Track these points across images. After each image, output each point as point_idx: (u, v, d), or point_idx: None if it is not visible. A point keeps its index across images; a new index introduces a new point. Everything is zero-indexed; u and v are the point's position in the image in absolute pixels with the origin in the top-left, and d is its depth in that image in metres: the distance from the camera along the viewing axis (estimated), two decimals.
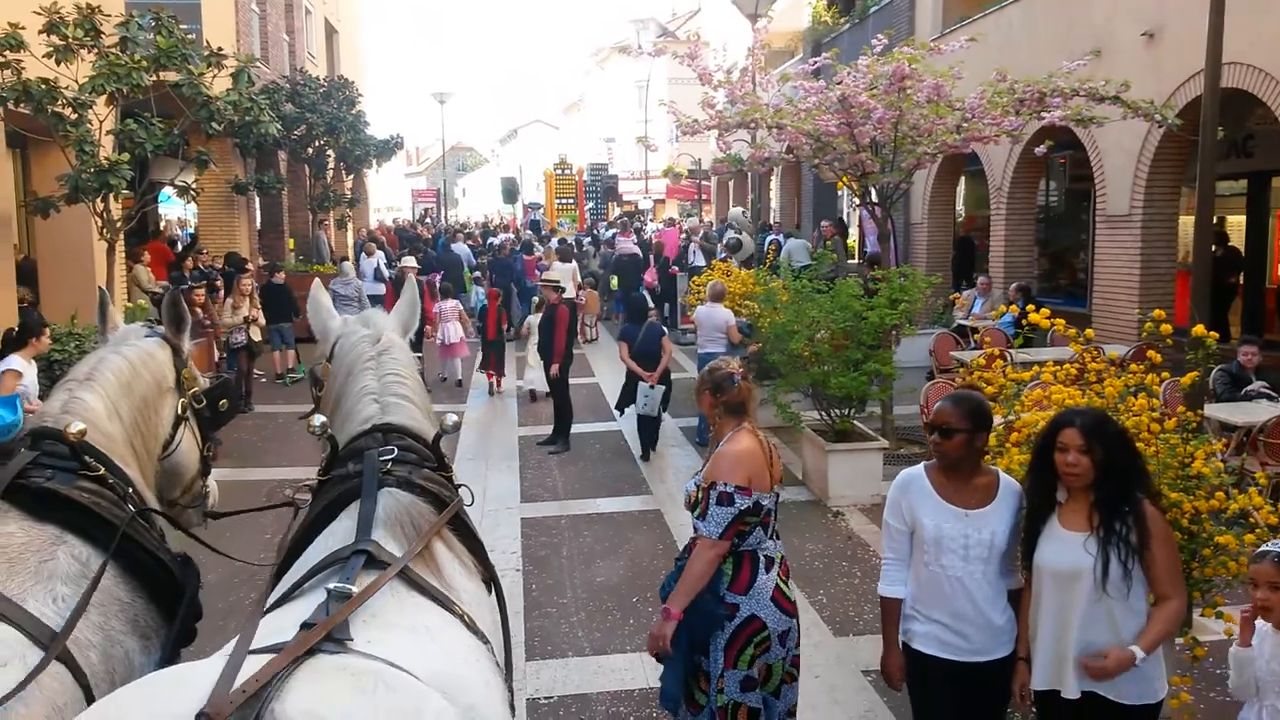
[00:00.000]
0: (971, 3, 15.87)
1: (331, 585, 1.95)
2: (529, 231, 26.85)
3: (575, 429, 10.30)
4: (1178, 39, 10.78)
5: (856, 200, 10.65)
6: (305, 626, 1.81)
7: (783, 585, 3.59)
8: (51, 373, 7.42)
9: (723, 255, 15.44)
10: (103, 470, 2.45)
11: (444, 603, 2.13)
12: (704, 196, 34.68)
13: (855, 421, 8.37)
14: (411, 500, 2.35)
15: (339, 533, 2.25)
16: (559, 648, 5.55)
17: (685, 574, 3.49)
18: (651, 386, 9.45)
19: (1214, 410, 7.82)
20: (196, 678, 1.66)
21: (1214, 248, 12.12)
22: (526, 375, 12.70)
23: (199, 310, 11.23)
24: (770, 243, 17.39)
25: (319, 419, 2.59)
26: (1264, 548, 3.07)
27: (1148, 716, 3.07)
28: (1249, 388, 8.36)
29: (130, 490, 2.52)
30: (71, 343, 7.86)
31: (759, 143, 10.28)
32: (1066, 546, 3.04)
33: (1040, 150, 10.60)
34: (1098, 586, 2.97)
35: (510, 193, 38.80)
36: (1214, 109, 7.07)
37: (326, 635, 1.78)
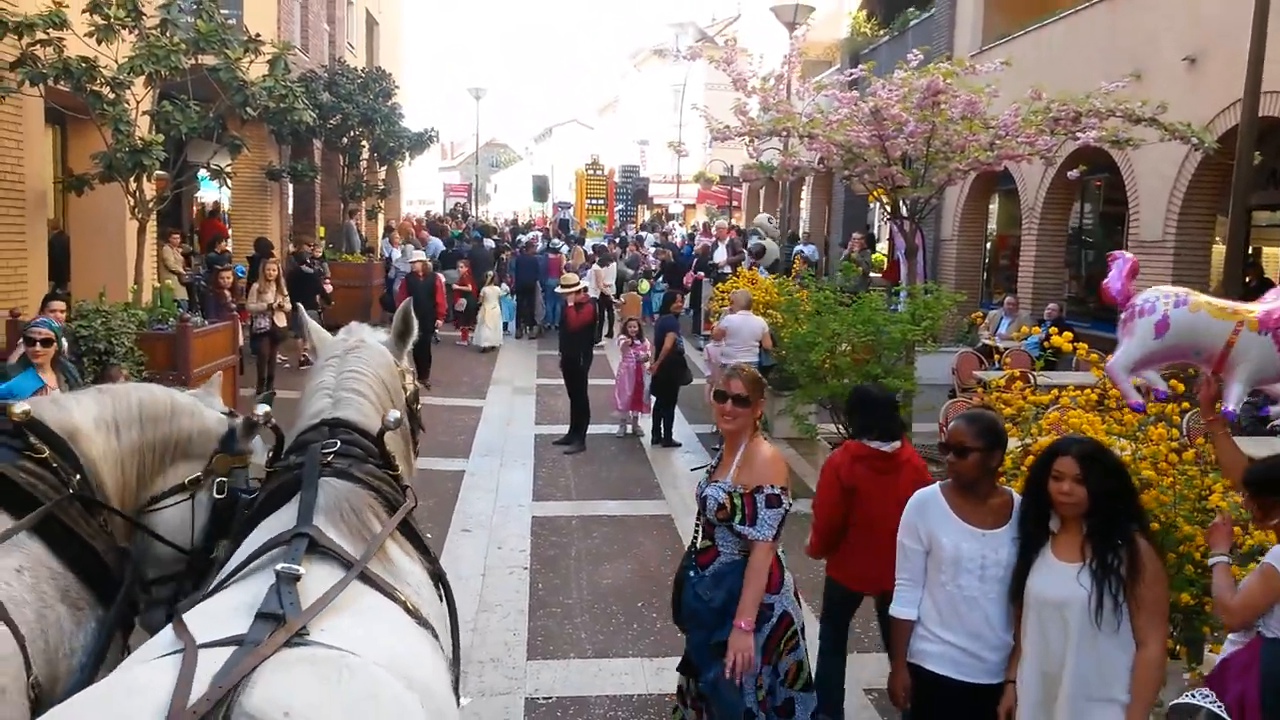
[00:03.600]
0: (1012, 20, 15.73)
1: (279, 566, 1.95)
2: (559, 230, 26.92)
3: (592, 429, 10.31)
4: (1220, 65, 10.62)
5: (887, 213, 10.59)
6: (261, 616, 1.80)
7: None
8: (78, 348, 7.50)
9: (749, 263, 15.41)
10: (47, 453, 2.49)
11: (387, 590, 2.14)
12: (735, 203, 34.64)
13: None
14: (350, 488, 2.35)
15: (279, 522, 2.26)
16: (561, 648, 5.55)
17: (750, 582, 3.54)
18: (650, 374, 10.17)
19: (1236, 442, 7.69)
20: (153, 683, 1.63)
21: (1247, 278, 11.97)
22: (482, 334, 16.12)
23: (226, 293, 11.35)
24: (797, 254, 17.33)
25: (262, 408, 2.63)
26: (1187, 700, 2.75)
27: None
28: (1275, 421, 8.22)
29: (79, 478, 2.54)
30: (98, 319, 7.93)
31: (790, 151, 10.24)
32: (1059, 577, 3.00)
33: (1073, 174, 10.50)
34: (1091, 620, 2.92)
35: (541, 191, 38.93)
36: (1251, 136, 6.99)
37: (281, 625, 1.78)
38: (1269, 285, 12.75)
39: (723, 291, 12.92)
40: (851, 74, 9.56)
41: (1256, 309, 4.40)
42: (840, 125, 8.86)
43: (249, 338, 11.70)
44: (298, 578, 1.93)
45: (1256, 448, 7.56)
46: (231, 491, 2.87)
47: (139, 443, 2.72)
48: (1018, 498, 3.38)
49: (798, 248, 17.41)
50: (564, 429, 10.33)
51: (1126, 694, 2.93)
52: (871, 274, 16.71)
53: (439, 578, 2.59)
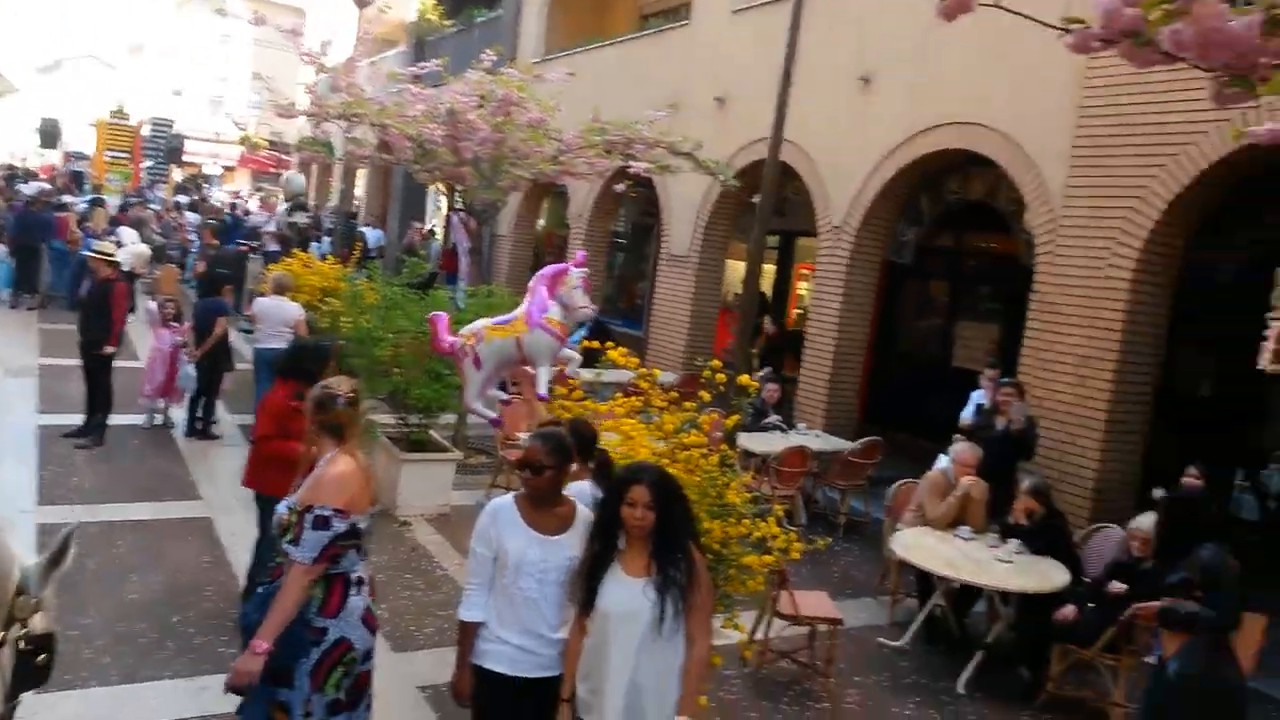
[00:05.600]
0: (571, 37, 16.77)
1: None
2: (72, 183, 23.30)
3: (114, 420, 9.11)
4: (742, 108, 12.30)
5: (443, 202, 10.72)
6: None
7: (371, 605, 3.63)
8: None
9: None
10: None
11: None
12: (283, 171, 32.70)
13: (431, 432, 8.38)
14: None
15: None
16: (80, 677, 4.87)
17: (277, 603, 3.33)
18: (190, 362, 9.35)
19: (740, 439, 8.98)
20: None
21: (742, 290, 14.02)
22: None
23: None
24: (358, 235, 16.84)
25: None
26: None
27: None
28: (767, 420, 9.73)
29: None
30: None
31: (361, 140, 9.93)
32: (628, 591, 3.29)
33: (620, 188, 11.50)
34: (655, 628, 3.24)
35: (50, 135, 33.26)
36: (775, 173, 8.08)
37: None
38: (763, 298, 15.05)
39: (273, 272, 12.17)
40: (424, 67, 9.51)
41: (520, 314, 5.84)
42: (414, 120, 8.79)
43: None
44: None
45: (751, 442, 8.93)
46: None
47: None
48: (580, 507, 3.66)
49: (360, 229, 16.84)
50: (75, 418, 8.99)
51: (678, 689, 3.30)
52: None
53: None
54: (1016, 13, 2.81)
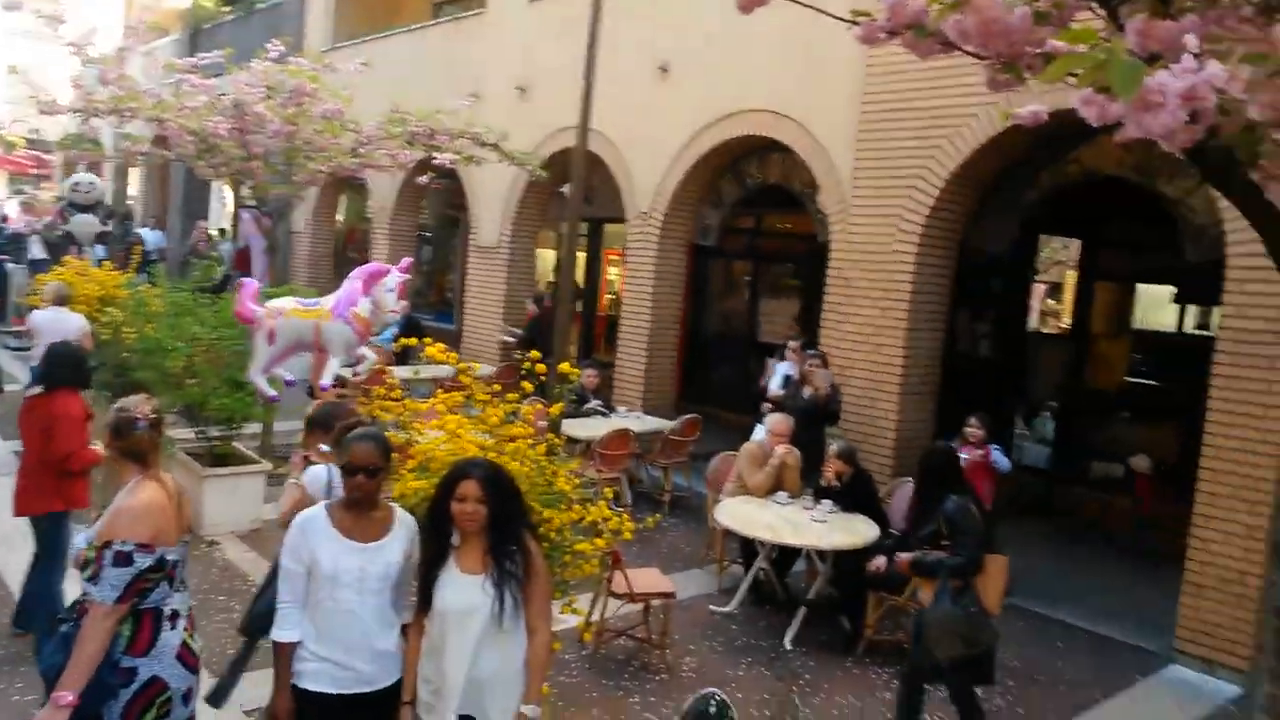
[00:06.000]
0: (363, 23, 16.19)
1: None
2: None
3: None
4: (544, 97, 12.29)
5: (226, 199, 10.14)
6: None
7: (188, 640, 3.37)
8: None
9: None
10: None
11: None
12: (44, 172, 29.93)
13: (235, 444, 7.93)
14: None
15: None
16: None
17: (79, 649, 3.04)
18: None
19: (564, 426, 9.03)
20: None
21: (554, 279, 14.06)
22: None
23: None
24: (135, 239, 15.62)
25: None
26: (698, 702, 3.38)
27: None
28: (588, 406, 9.83)
29: None
30: None
31: (135, 135, 9.19)
32: (466, 588, 3.23)
33: (423, 180, 11.23)
34: (495, 622, 3.20)
35: None
36: (583, 163, 8.12)
37: None
38: (575, 286, 15.16)
39: (44, 283, 11.14)
40: (204, 58, 8.92)
41: (330, 303, 6.01)
42: (196, 113, 8.23)
43: None
44: None
45: (574, 428, 9.01)
46: None
47: None
48: (398, 510, 3.51)
49: (137, 230, 15.59)
50: None
51: (521, 681, 3.28)
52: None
53: None
54: (807, 4, 2.97)
